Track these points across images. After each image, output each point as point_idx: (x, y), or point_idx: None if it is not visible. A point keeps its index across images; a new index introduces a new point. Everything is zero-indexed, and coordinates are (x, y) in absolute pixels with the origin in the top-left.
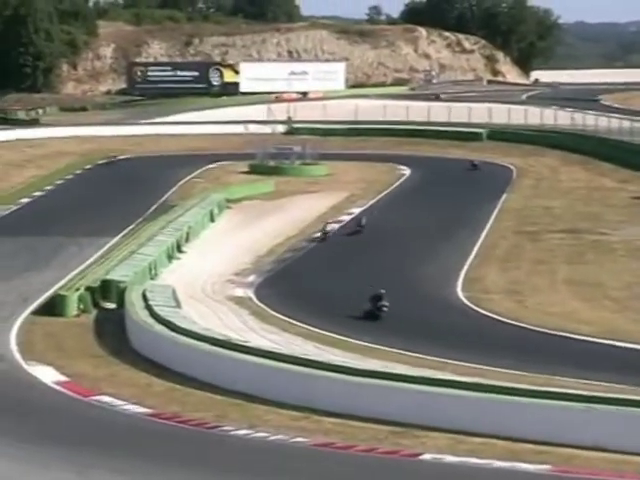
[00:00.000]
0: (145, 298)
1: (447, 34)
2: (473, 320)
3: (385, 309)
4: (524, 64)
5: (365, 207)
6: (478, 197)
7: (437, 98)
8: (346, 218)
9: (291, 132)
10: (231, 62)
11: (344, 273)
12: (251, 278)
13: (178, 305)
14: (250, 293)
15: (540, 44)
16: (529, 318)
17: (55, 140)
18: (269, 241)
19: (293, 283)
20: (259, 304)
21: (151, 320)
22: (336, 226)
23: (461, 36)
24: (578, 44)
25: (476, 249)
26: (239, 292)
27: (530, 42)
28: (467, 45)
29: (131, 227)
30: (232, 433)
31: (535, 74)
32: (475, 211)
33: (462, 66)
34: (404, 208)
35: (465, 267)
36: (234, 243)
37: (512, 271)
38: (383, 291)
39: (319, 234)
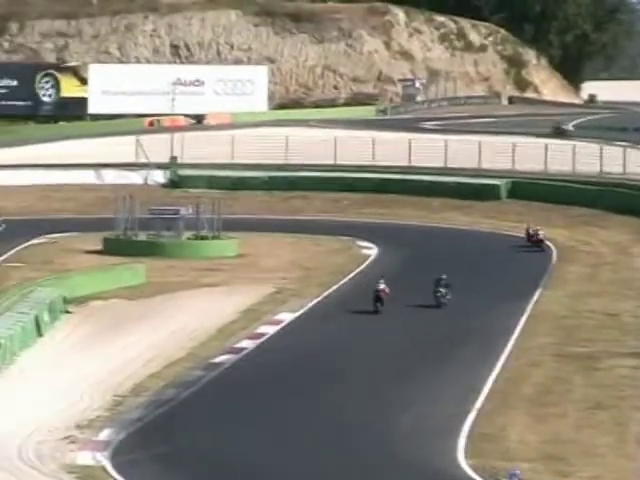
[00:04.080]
0: None
1: (441, 19)
2: None
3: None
4: (571, 71)
5: (301, 311)
6: (494, 295)
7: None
8: (270, 330)
9: (176, 183)
10: (74, 63)
11: (263, 426)
12: (106, 434)
13: None
14: (104, 459)
15: (598, 37)
16: None
17: None
18: (137, 370)
19: (179, 442)
20: (119, 479)
21: None
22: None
23: (465, 23)
24: None
25: (489, 385)
26: (85, 458)
27: (581, 34)
28: (475, 38)
29: None
30: None
31: (590, 88)
32: (489, 319)
33: (467, 73)
34: (368, 313)
35: (472, 415)
36: (77, 373)
37: (552, 422)
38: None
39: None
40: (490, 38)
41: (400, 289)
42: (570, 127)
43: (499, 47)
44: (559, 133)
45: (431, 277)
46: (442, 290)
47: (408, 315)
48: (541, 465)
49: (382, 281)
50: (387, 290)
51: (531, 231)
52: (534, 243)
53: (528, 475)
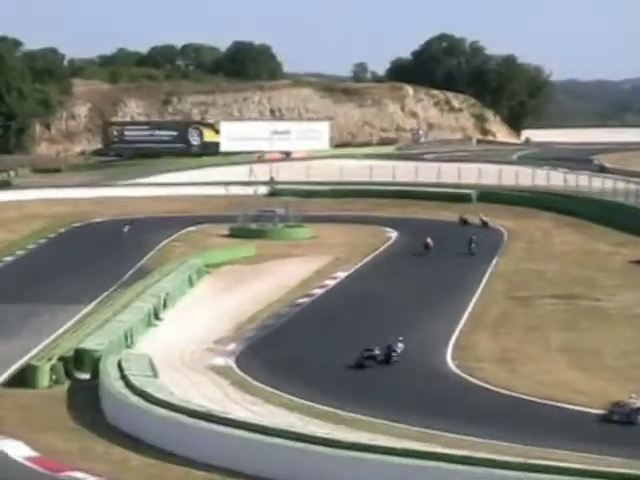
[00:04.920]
0: (121, 368)
1: (435, 92)
2: (463, 390)
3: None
4: (515, 123)
5: (351, 271)
6: (468, 261)
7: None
8: (331, 282)
9: (274, 193)
10: (211, 121)
11: (328, 341)
12: (232, 346)
13: (155, 375)
14: (231, 362)
15: (531, 102)
16: (521, 387)
17: (27, 203)
18: (250, 307)
19: (276, 351)
20: (240, 373)
21: (126, 391)
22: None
23: (449, 94)
24: (570, 102)
25: (466, 315)
26: (219, 361)
27: (521, 100)
28: (456, 103)
29: (107, 293)
30: None
31: (526, 133)
32: (465, 275)
33: (451, 125)
34: (390, 272)
35: (455, 334)
36: (214, 310)
37: (503, 338)
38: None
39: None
40: (465, 104)
41: (413, 256)
42: (608, 165)
43: (470, 109)
44: (602, 170)
45: (431, 251)
46: (473, 245)
47: (417, 272)
48: (497, 364)
49: (429, 238)
50: (432, 243)
51: (468, 219)
52: (481, 226)
53: (490, 371)
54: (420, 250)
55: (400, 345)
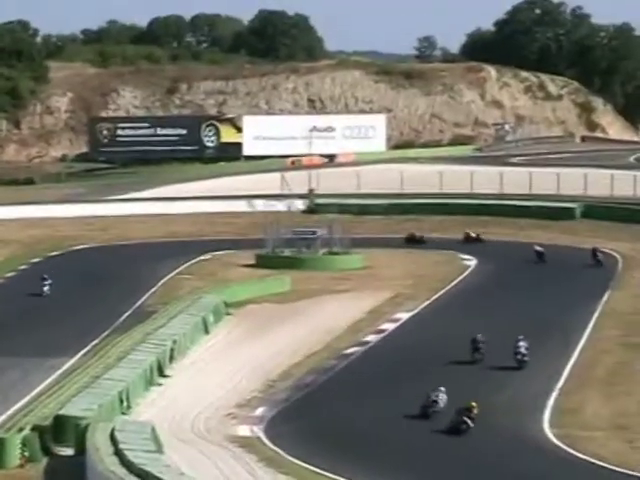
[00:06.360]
0: (114, 440)
1: (525, 74)
2: (567, 467)
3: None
4: (632, 114)
5: (416, 311)
6: (572, 296)
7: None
8: (390, 326)
9: (313, 210)
10: (231, 115)
11: (386, 405)
12: (260, 411)
13: (159, 449)
14: (259, 432)
15: None
16: None
17: None
18: (284, 360)
19: (318, 417)
20: (272, 447)
21: (123, 470)
22: None
23: (545, 77)
24: None
25: (569, 368)
26: (244, 430)
27: (639, 84)
28: (553, 89)
29: (95, 342)
30: None
31: None
32: (568, 316)
33: (547, 117)
34: (469, 313)
35: (554, 393)
36: (236, 363)
37: (619, 399)
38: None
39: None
40: (565, 89)
41: (499, 292)
42: None
43: (572, 96)
44: None
45: (523, 285)
46: (599, 254)
47: (504, 312)
48: (611, 433)
49: (537, 246)
50: (542, 250)
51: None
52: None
53: (601, 442)
54: (533, 258)
55: (522, 344)
